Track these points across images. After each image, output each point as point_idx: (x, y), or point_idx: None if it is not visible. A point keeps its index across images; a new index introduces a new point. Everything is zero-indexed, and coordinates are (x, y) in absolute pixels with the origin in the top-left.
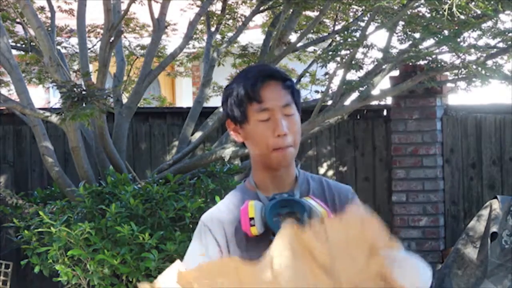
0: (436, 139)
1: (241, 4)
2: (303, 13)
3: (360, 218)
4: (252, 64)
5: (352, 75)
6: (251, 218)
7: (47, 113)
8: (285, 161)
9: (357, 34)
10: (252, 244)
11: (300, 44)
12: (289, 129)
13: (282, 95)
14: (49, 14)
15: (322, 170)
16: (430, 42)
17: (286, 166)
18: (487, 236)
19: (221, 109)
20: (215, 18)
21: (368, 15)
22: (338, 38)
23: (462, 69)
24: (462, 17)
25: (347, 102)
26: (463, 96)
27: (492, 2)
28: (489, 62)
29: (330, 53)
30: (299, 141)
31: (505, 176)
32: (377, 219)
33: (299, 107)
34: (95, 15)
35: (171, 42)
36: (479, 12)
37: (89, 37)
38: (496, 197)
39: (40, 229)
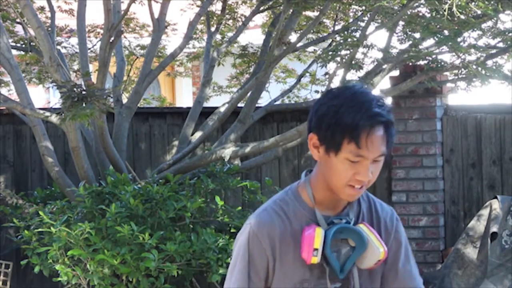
0: (436, 139)
1: (241, 4)
2: (303, 13)
3: None
4: (360, 88)
5: (352, 75)
6: (315, 249)
7: (47, 113)
8: (354, 198)
9: (357, 34)
10: (298, 258)
11: (300, 44)
12: (372, 173)
13: (380, 144)
14: (49, 14)
15: None
16: (430, 42)
17: (352, 200)
18: (487, 236)
19: (221, 109)
20: (215, 18)
21: (368, 15)
22: (338, 38)
23: (462, 69)
24: (462, 17)
25: None
26: (463, 96)
27: (492, 2)
28: (489, 62)
29: (330, 53)
30: (375, 179)
31: (505, 176)
32: None
33: (391, 146)
34: (95, 15)
35: (171, 42)
36: (479, 12)
37: (89, 37)
38: (496, 197)
39: (40, 229)
